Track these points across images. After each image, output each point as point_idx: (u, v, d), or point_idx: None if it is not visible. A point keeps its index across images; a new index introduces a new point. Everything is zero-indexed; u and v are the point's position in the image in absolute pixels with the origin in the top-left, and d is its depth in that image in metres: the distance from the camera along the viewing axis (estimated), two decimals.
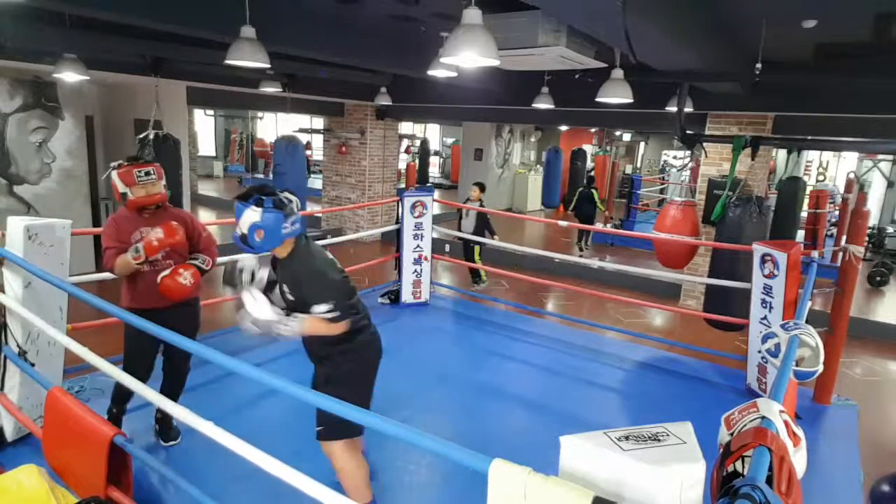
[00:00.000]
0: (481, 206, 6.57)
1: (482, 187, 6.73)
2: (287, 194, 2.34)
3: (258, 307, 2.30)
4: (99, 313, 3.06)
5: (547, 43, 3.27)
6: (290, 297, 2.38)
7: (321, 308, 2.27)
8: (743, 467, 1.37)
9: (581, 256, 9.06)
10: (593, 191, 9.33)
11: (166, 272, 2.80)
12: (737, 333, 5.16)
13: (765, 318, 3.99)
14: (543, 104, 5.81)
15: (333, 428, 2.38)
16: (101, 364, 2.37)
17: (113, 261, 2.75)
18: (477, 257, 6.82)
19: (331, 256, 2.48)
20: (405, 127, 15.81)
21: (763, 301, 3.99)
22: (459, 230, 6.57)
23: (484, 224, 6.57)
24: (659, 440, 1.36)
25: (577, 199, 9.35)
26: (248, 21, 3.56)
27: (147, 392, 2.22)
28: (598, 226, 10.45)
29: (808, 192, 8.48)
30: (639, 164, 20.05)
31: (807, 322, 2.41)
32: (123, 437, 2.11)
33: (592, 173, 10.97)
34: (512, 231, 11.50)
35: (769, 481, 1.25)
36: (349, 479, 2.48)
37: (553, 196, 14.23)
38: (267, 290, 2.46)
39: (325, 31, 4.90)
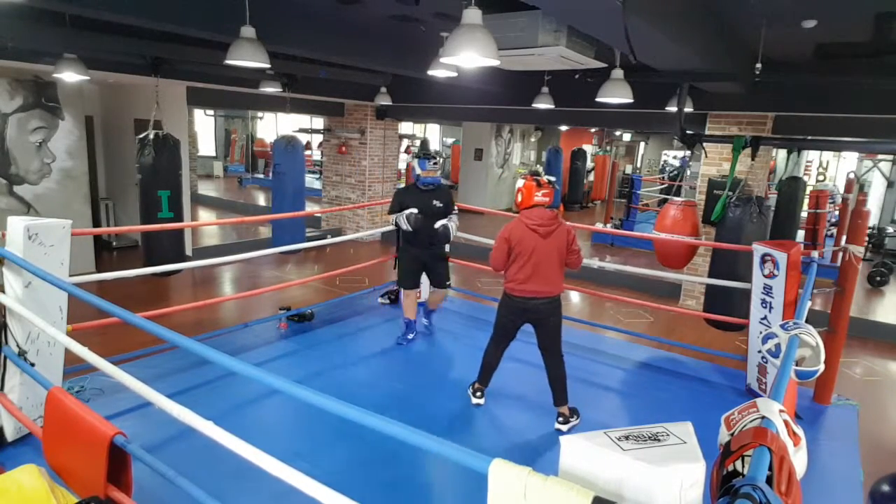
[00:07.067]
0: None
1: None
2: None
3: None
4: (99, 313, 3.07)
5: (547, 43, 3.27)
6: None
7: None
8: (743, 467, 1.37)
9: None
10: None
11: None
12: (737, 333, 5.15)
13: (765, 318, 3.99)
14: (543, 104, 5.81)
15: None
16: (101, 364, 2.37)
17: None
18: None
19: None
20: (405, 127, 15.82)
21: (763, 301, 3.99)
22: None
23: None
24: (659, 440, 1.36)
25: None
26: (248, 21, 3.56)
27: (152, 394, 2.22)
28: (599, 226, 10.48)
29: (808, 192, 8.48)
30: (639, 164, 20.05)
31: (806, 322, 2.41)
32: (123, 437, 2.12)
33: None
34: None
35: (769, 481, 1.25)
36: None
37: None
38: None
39: (326, 31, 4.90)
